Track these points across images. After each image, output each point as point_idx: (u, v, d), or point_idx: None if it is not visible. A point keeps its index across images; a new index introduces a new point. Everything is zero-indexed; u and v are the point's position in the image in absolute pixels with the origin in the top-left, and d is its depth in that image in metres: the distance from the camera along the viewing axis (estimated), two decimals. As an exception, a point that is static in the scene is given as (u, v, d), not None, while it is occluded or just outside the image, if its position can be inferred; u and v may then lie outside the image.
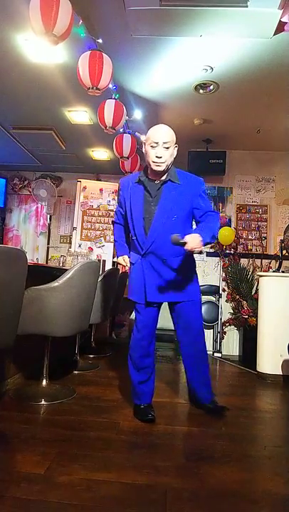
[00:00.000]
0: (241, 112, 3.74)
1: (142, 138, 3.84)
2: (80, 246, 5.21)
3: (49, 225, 6.16)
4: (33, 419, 2.03)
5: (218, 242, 4.51)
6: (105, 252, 5.19)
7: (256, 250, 4.65)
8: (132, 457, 1.68)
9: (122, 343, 4.56)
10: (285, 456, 1.77)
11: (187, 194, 2.07)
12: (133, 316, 2.27)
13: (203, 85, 3.25)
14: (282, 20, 2.24)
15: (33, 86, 3.37)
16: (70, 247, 5.50)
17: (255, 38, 2.52)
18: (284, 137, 4.27)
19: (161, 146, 1.96)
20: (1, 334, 1.66)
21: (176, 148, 2.05)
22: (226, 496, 1.40)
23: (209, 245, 4.65)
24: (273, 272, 3.43)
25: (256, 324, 3.50)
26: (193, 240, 1.88)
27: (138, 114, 3.69)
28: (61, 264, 4.16)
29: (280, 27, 2.32)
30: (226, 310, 4.61)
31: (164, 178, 2.06)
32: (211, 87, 3.27)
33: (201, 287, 4.59)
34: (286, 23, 2.25)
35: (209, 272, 4.71)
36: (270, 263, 4.43)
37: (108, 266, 5.01)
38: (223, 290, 4.64)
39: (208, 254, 4.70)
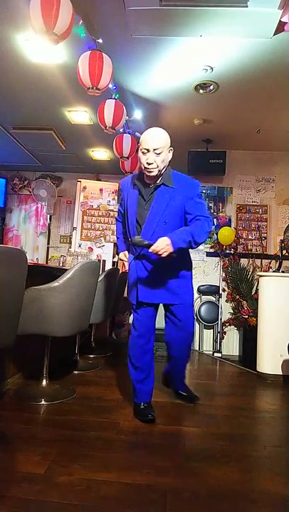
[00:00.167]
0: (241, 112, 3.74)
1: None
2: (80, 246, 5.21)
3: (49, 225, 6.16)
4: (33, 419, 2.03)
5: (218, 242, 4.51)
6: (105, 252, 5.19)
7: (256, 250, 4.65)
8: (132, 457, 1.68)
9: (122, 343, 4.56)
10: (285, 456, 1.77)
11: (180, 198, 2.03)
12: (132, 317, 2.28)
13: (203, 85, 3.25)
14: (282, 20, 2.24)
15: (33, 86, 3.37)
16: (70, 247, 5.50)
17: (255, 38, 2.52)
18: (284, 137, 4.27)
19: (152, 152, 1.94)
20: (1, 334, 1.66)
21: (171, 152, 2.03)
22: (226, 496, 1.40)
23: (209, 245, 4.66)
24: (273, 272, 3.43)
25: (256, 324, 3.50)
26: (159, 243, 1.87)
27: (138, 114, 3.70)
28: (61, 264, 4.16)
29: (280, 27, 2.32)
30: (226, 310, 4.61)
31: (157, 182, 2.05)
32: (211, 87, 3.27)
33: (201, 287, 4.64)
34: (286, 23, 2.25)
35: (209, 272, 4.71)
36: (270, 263, 4.43)
37: (108, 266, 5.01)
38: (223, 290, 4.64)
39: (208, 254, 4.70)
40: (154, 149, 1.93)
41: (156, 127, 2.03)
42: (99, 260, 4.31)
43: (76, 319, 2.38)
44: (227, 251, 4.60)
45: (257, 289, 4.26)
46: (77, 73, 2.43)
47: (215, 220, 4.69)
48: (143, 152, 1.96)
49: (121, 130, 3.53)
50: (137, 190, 2.10)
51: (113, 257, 5.19)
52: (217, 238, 4.48)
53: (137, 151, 2.05)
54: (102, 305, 3.20)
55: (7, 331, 1.71)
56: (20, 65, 3.03)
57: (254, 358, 3.38)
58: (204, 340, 4.65)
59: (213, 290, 4.63)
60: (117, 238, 2.48)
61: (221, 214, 4.72)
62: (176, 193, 2.04)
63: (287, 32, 2.34)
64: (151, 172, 1.97)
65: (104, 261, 4.91)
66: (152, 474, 1.51)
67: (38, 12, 1.90)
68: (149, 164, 1.94)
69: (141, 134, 3.97)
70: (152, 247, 1.88)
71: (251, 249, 4.66)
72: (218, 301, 4.59)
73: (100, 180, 5.78)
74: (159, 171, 1.99)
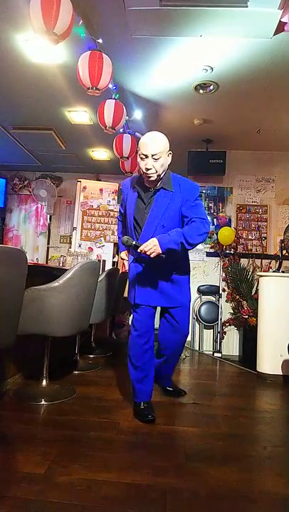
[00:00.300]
0: (241, 112, 3.74)
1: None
2: (80, 246, 5.21)
3: (49, 225, 6.16)
4: (33, 419, 2.03)
5: (218, 242, 4.51)
6: (105, 252, 5.19)
7: (256, 250, 4.65)
8: (132, 457, 1.68)
9: (122, 343, 4.56)
10: (285, 456, 1.77)
11: (178, 202, 2.05)
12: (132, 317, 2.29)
13: (203, 85, 3.25)
14: (282, 20, 2.24)
15: (33, 86, 3.37)
16: (70, 247, 5.50)
17: (255, 38, 2.52)
18: (284, 137, 4.27)
19: (150, 157, 1.94)
20: (1, 334, 1.66)
21: (171, 155, 2.04)
22: (226, 496, 1.40)
23: (209, 245, 4.66)
24: (273, 272, 3.43)
25: (256, 324, 3.50)
26: (146, 244, 1.90)
27: (138, 114, 3.70)
28: (61, 264, 4.16)
29: (280, 27, 2.32)
30: (226, 310, 4.61)
31: (157, 186, 2.06)
32: (211, 87, 3.27)
33: (201, 287, 4.64)
34: (286, 23, 2.25)
35: (209, 272, 4.71)
36: (270, 263, 4.43)
37: (108, 266, 5.01)
38: (223, 290, 4.64)
39: (208, 254, 4.70)
40: (153, 155, 1.93)
41: (155, 131, 2.03)
42: (99, 260, 4.31)
43: (76, 319, 2.38)
44: (227, 251, 4.60)
45: (257, 289, 4.26)
46: (77, 73, 2.44)
47: (215, 220, 4.70)
48: (141, 158, 1.96)
49: (121, 130, 3.53)
50: (136, 193, 2.12)
51: (113, 257, 5.19)
52: (217, 238, 4.48)
53: (137, 152, 2.05)
54: (102, 305, 3.20)
55: (7, 331, 1.71)
56: (21, 65, 3.03)
57: (254, 358, 3.38)
58: (204, 340, 4.65)
59: (213, 290, 4.63)
60: (118, 238, 2.51)
61: (221, 214, 4.71)
62: (175, 197, 2.05)
63: (287, 32, 2.34)
64: (150, 177, 1.98)
65: (104, 261, 4.91)
66: (152, 474, 1.51)
67: (38, 12, 1.89)
68: (147, 170, 1.95)
69: (141, 134, 3.97)
70: (140, 248, 1.92)
71: (251, 249, 4.66)
72: (218, 301, 4.59)
73: (100, 181, 5.78)
74: (158, 175, 2.00)
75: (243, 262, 4.61)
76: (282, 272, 3.42)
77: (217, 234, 4.49)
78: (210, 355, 4.35)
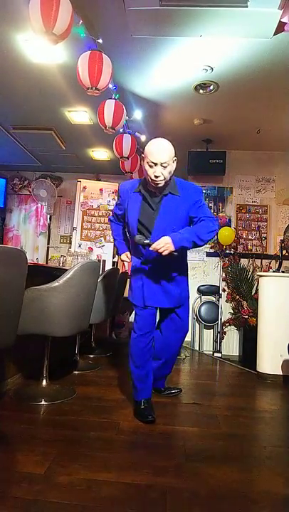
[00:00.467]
0: (241, 112, 3.74)
1: (142, 138, 3.84)
2: (80, 246, 5.21)
3: (49, 225, 6.16)
4: (33, 419, 2.03)
5: (218, 242, 4.51)
6: (105, 252, 5.19)
7: (256, 250, 4.65)
8: (131, 457, 1.68)
9: (122, 343, 4.56)
10: (285, 456, 1.77)
11: (185, 205, 2.11)
12: (132, 317, 2.31)
13: (203, 85, 3.25)
14: (282, 20, 2.24)
15: (33, 86, 3.37)
16: (70, 247, 5.50)
17: (255, 38, 2.52)
18: (284, 137, 4.27)
19: (159, 165, 1.97)
20: (1, 334, 1.66)
21: (176, 161, 2.06)
22: (226, 496, 1.40)
23: (209, 245, 4.66)
24: (273, 272, 3.43)
25: (256, 324, 3.49)
26: (159, 242, 1.94)
27: (138, 114, 3.69)
28: (61, 264, 4.15)
29: (280, 27, 2.32)
30: (226, 310, 4.61)
31: (164, 191, 2.10)
32: (211, 87, 3.27)
33: (201, 287, 4.64)
34: (286, 23, 2.25)
35: (209, 272, 4.71)
36: (270, 263, 4.43)
37: (108, 266, 5.01)
38: (223, 290, 4.64)
39: (208, 254, 4.70)
40: (162, 163, 1.96)
41: (160, 138, 2.05)
42: (99, 260, 4.31)
43: (76, 319, 2.38)
44: (227, 251, 4.60)
45: (257, 289, 4.26)
46: (76, 73, 2.43)
47: (215, 220, 4.70)
48: (150, 165, 1.98)
49: (121, 130, 3.53)
50: (140, 197, 2.14)
51: (113, 257, 5.19)
52: (217, 238, 4.47)
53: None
54: (102, 305, 3.20)
55: (7, 331, 1.71)
56: (21, 65, 3.03)
57: (254, 358, 3.38)
58: (204, 340, 4.65)
59: (213, 290, 4.63)
60: (115, 239, 2.50)
61: (221, 214, 4.71)
62: (182, 201, 2.11)
63: (287, 32, 2.34)
64: (158, 184, 2.02)
65: (104, 261, 4.90)
66: (152, 474, 1.51)
67: (37, 12, 1.90)
68: (156, 177, 1.99)
69: (141, 134, 3.98)
70: (153, 245, 1.95)
71: (251, 249, 4.66)
72: (218, 301, 4.59)
73: (99, 181, 5.78)
74: (166, 182, 2.05)
75: (243, 262, 4.61)
76: (282, 271, 3.42)
77: (217, 234, 4.49)
78: (210, 355, 4.35)
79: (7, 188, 6.11)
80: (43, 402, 2.26)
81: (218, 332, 4.51)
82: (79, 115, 3.91)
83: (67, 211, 6.17)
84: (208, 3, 2.19)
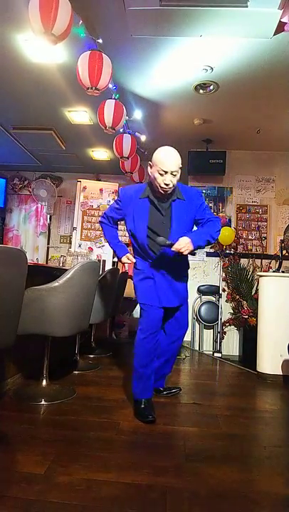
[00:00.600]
0: (241, 112, 3.74)
1: (142, 138, 3.84)
2: (80, 246, 5.21)
3: (49, 225, 6.16)
4: (33, 419, 2.03)
5: (218, 242, 4.51)
6: (105, 252, 5.19)
7: (256, 250, 4.65)
8: (131, 457, 1.68)
9: (122, 343, 4.56)
10: (285, 456, 1.77)
11: (191, 208, 2.24)
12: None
13: (203, 85, 3.25)
14: (282, 20, 2.24)
15: (33, 86, 3.37)
16: (70, 247, 5.50)
17: (255, 38, 2.52)
18: (284, 137, 4.27)
19: (169, 174, 2.05)
20: (1, 334, 1.66)
21: (180, 169, 2.12)
22: (226, 496, 1.40)
23: (209, 246, 4.65)
24: (273, 272, 3.43)
25: (256, 324, 3.49)
26: (181, 242, 2.05)
27: (138, 114, 3.69)
28: (61, 264, 4.15)
29: (280, 27, 2.32)
30: (226, 310, 4.61)
31: (172, 197, 2.18)
32: (211, 87, 3.27)
33: (201, 287, 4.64)
34: (286, 23, 2.25)
35: (209, 272, 4.71)
36: (270, 263, 4.43)
37: (108, 266, 5.01)
38: (223, 290, 4.64)
39: (208, 254, 4.70)
40: (172, 171, 2.05)
41: (168, 147, 2.11)
42: (99, 260, 4.31)
43: (76, 319, 2.38)
44: (227, 251, 4.60)
45: (257, 289, 4.26)
46: (76, 73, 2.43)
47: (215, 220, 4.69)
48: (160, 173, 2.05)
49: (121, 130, 3.53)
50: (148, 204, 2.20)
51: (113, 257, 5.19)
52: (217, 238, 4.47)
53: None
54: (102, 305, 3.20)
55: (7, 331, 1.71)
56: (21, 65, 3.03)
57: (254, 358, 3.38)
58: (204, 340, 4.65)
59: (213, 290, 4.63)
60: (109, 242, 2.46)
61: (221, 214, 4.71)
62: (188, 204, 2.23)
63: (287, 32, 2.34)
64: (167, 191, 2.11)
65: (104, 261, 4.91)
66: (152, 474, 1.51)
67: (36, 13, 1.90)
68: (166, 185, 2.07)
69: (141, 134, 3.97)
70: (175, 246, 2.05)
71: (251, 249, 4.66)
72: (218, 301, 4.59)
73: (100, 181, 5.78)
74: (173, 189, 2.14)
75: (243, 262, 4.61)
76: (282, 271, 3.42)
77: (214, 237, 4.48)
78: (210, 355, 4.35)
79: (7, 188, 6.11)
80: (43, 402, 2.26)
81: (218, 332, 4.51)
82: (79, 115, 3.91)
83: (67, 211, 6.16)
84: (208, 3, 2.19)
